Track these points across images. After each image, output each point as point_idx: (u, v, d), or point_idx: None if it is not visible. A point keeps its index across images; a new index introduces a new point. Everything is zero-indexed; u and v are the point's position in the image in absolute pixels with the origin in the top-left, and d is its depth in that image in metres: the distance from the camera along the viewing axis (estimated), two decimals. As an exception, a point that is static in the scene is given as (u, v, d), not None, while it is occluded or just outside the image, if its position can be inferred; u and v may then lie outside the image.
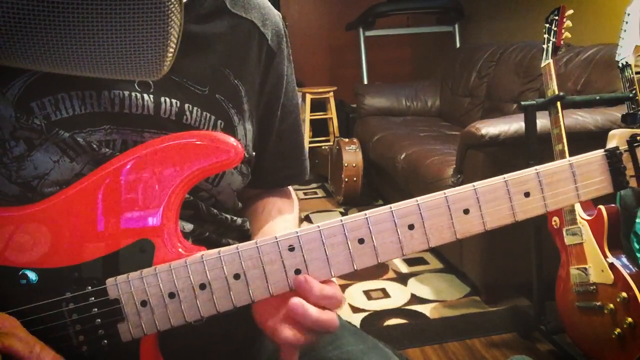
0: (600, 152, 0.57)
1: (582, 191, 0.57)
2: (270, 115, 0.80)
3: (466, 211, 0.56)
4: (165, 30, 0.52)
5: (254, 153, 0.77)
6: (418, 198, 0.56)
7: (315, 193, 3.89)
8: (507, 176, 0.57)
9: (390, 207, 0.56)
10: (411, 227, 0.56)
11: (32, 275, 0.58)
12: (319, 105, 4.54)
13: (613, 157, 0.57)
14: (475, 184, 0.56)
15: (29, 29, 0.49)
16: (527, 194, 0.56)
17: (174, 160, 0.60)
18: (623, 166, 0.57)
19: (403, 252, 0.56)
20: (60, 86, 0.61)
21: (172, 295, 0.57)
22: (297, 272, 0.57)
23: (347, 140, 3.53)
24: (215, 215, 0.72)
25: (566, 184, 0.57)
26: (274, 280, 0.57)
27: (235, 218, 0.76)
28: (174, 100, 0.67)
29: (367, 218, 0.56)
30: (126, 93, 0.64)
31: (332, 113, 4.51)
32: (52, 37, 0.50)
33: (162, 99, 0.66)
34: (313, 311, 0.56)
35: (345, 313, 2.13)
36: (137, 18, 0.50)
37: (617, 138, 0.58)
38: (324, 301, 0.57)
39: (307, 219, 3.31)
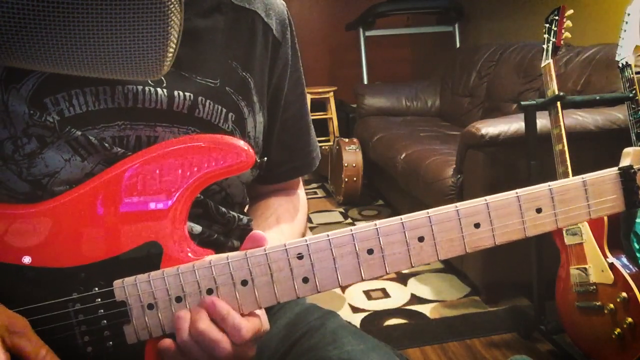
0: (614, 170, 0.57)
1: (594, 209, 0.57)
2: (275, 105, 0.80)
3: (477, 225, 0.56)
4: (165, 30, 0.52)
5: (265, 159, 0.77)
6: (429, 210, 0.56)
7: (315, 193, 3.89)
8: (520, 191, 0.56)
9: (401, 219, 0.56)
10: (421, 239, 0.56)
11: (37, 274, 0.58)
12: (319, 105, 4.54)
13: (626, 175, 0.57)
14: (487, 198, 0.56)
15: (29, 29, 0.49)
16: (539, 210, 0.56)
17: (185, 164, 0.60)
18: (636, 185, 0.57)
19: (412, 263, 0.56)
20: (74, 82, 0.61)
21: (179, 299, 0.57)
22: (305, 280, 0.57)
23: (347, 140, 3.53)
24: (224, 214, 0.72)
25: (578, 201, 0.57)
26: (282, 288, 0.57)
27: (242, 217, 0.76)
28: (187, 94, 0.67)
29: (377, 229, 0.56)
30: (139, 87, 0.64)
31: (332, 113, 4.51)
32: (52, 37, 0.50)
33: (176, 92, 0.66)
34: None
35: (345, 313, 2.13)
36: (137, 18, 0.51)
37: (631, 156, 0.57)
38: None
39: (307, 219, 3.31)
